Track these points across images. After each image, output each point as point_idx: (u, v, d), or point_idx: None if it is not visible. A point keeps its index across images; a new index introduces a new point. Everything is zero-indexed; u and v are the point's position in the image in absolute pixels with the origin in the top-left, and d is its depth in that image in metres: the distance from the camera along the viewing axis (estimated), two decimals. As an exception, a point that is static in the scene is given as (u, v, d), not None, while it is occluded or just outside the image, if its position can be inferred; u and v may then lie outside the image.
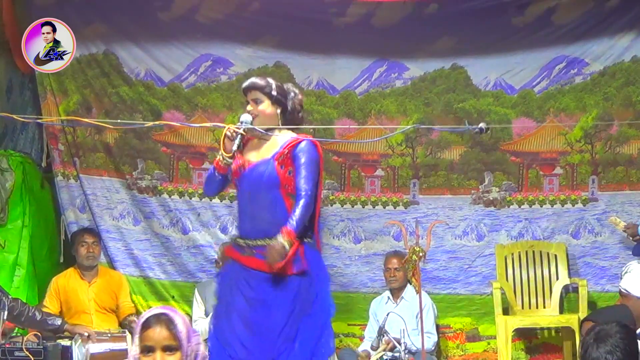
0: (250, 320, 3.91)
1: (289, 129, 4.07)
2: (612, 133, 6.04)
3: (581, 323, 3.93)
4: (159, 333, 2.53)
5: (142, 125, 5.58)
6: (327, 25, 6.06)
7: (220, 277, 4.20)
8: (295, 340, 3.90)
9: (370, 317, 5.82)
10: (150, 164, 6.27)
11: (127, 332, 5.24)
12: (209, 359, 3.76)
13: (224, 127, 4.05)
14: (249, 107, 4.02)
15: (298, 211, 3.85)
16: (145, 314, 2.59)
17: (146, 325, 2.54)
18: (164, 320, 2.55)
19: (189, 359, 2.57)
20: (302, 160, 3.92)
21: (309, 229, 4.01)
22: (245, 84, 4.10)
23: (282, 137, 4.01)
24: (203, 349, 2.63)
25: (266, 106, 4.01)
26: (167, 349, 2.53)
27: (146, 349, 2.53)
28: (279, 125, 4.02)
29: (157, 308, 2.65)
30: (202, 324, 5.33)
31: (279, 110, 4.03)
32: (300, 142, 3.96)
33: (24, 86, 6.34)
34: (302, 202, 3.88)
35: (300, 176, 3.91)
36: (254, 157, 4.00)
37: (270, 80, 4.07)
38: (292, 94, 4.09)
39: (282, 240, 3.79)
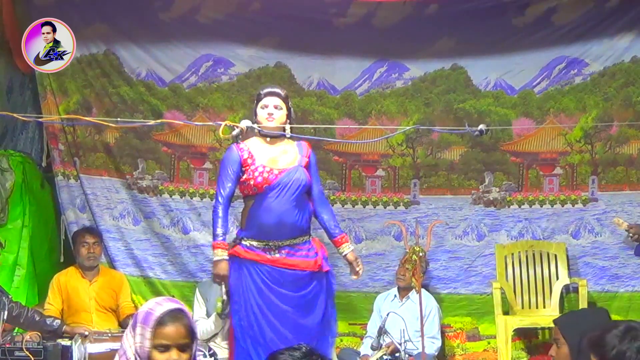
0: (294, 317, 4.23)
1: (286, 128, 4.38)
2: (612, 133, 6.05)
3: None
4: (177, 332, 2.50)
5: (143, 124, 5.58)
6: (327, 26, 6.07)
7: (239, 280, 4.29)
8: (328, 329, 4.35)
9: (373, 311, 5.82)
10: (151, 163, 6.27)
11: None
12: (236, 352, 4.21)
13: (223, 124, 4.32)
14: (269, 110, 4.32)
15: (334, 218, 4.52)
16: (157, 308, 2.52)
17: (162, 322, 2.49)
18: (181, 318, 2.52)
19: (195, 354, 2.58)
20: (315, 169, 4.45)
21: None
22: (268, 89, 4.43)
23: (291, 145, 4.41)
24: None
25: (283, 115, 4.37)
26: (182, 347, 2.51)
27: (161, 347, 2.49)
28: (285, 132, 4.38)
29: (167, 302, 2.58)
30: (203, 325, 5.32)
31: (288, 121, 4.40)
32: (311, 150, 4.44)
33: (24, 86, 6.33)
34: (330, 207, 4.55)
35: (319, 184, 4.46)
36: (278, 164, 4.29)
37: (287, 93, 4.51)
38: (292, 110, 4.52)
39: (351, 247, 4.45)
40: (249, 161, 4.27)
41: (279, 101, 4.35)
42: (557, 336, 3.46)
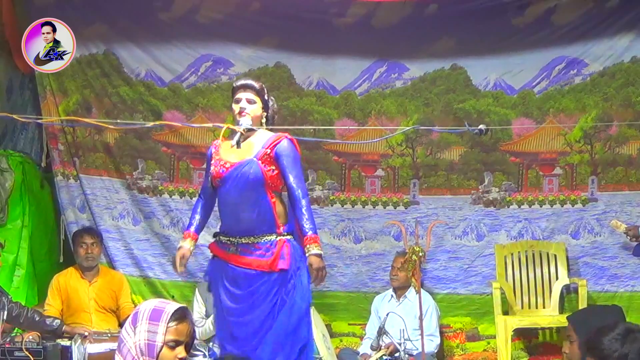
0: (237, 313, 4.11)
1: (287, 129, 4.27)
2: (611, 133, 6.05)
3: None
4: (188, 329, 2.58)
5: (143, 126, 5.59)
6: (327, 26, 6.07)
7: (209, 276, 4.35)
8: (272, 329, 4.04)
9: (372, 313, 5.83)
10: (151, 164, 6.27)
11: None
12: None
13: (224, 127, 4.20)
14: (241, 105, 4.17)
15: (307, 213, 4.04)
16: (166, 306, 2.57)
17: (176, 319, 2.55)
18: (188, 317, 2.60)
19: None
20: (287, 160, 4.09)
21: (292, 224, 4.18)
22: (241, 82, 4.27)
23: (260, 137, 4.17)
24: None
25: (257, 108, 4.20)
26: (187, 345, 2.59)
27: (173, 342, 2.54)
28: (262, 127, 4.21)
29: (169, 301, 2.64)
30: (203, 325, 5.32)
31: (264, 114, 4.24)
32: (280, 140, 4.12)
33: (24, 86, 6.34)
34: (304, 202, 4.07)
35: (292, 176, 4.08)
36: (234, 158, 4.14)
37: (263, 86, 4.29)
38: (271, 103, 4.32)
39: (315, 250, 3.98)
40: (214, 155, 4.26)
41: (251, 95, 4.18)
42: (570, 333, 3.48)
